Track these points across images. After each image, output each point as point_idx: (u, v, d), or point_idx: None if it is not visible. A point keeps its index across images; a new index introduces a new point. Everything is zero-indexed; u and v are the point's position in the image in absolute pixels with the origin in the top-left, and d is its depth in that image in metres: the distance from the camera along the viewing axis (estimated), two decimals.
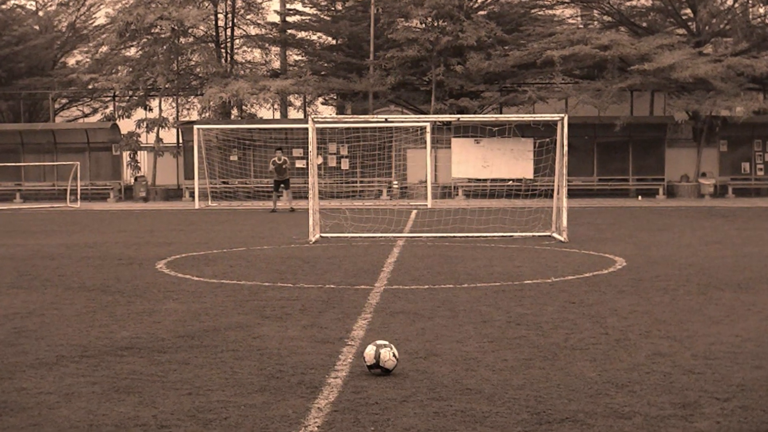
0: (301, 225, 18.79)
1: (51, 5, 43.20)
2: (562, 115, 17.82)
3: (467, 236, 17.82)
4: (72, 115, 44.45)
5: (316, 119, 18.47)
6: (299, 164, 32.87)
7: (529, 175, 32.76)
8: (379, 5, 36.97)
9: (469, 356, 6.85)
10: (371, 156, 32.86)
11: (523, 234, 17.86)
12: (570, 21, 38.68)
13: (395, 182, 35.20)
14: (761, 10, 37.11)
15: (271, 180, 27.85)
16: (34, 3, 43.35)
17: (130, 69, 38.17)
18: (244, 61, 41.33)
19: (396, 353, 6.27)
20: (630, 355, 6.87)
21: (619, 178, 36.31)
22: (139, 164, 38.19)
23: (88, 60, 41.22)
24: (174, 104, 40.70)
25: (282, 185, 26.87)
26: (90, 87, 39.74)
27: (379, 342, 6.37)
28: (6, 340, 7.64)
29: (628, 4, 37.59)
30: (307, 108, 41.32)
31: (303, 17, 40.04)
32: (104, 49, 39.68)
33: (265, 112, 40.61)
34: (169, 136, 38.74)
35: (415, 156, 34.60)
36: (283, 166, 26.74)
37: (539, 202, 21.18)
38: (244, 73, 38.85)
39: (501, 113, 36.94)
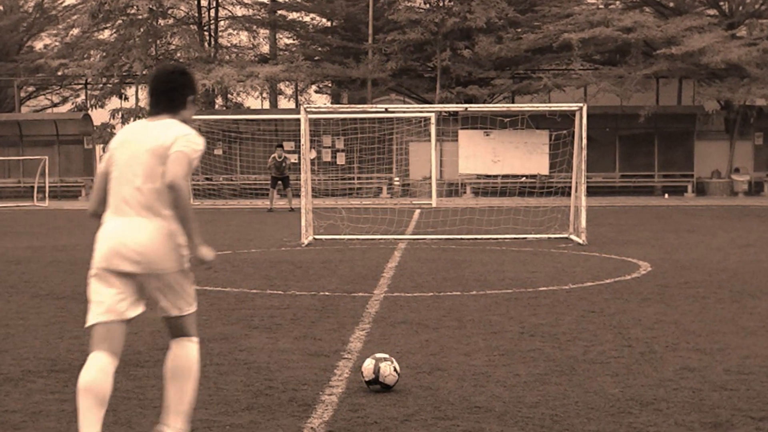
0: (293, 226, 18.79)
1: None
2: (581, 104, 17.83)
3: (476, 238, 17.82)
4: (40, 105, 44.51)
5: (309, 109, 18.46)
6: (290, 159, 32.89)
7: (545, 171, 32.76)
8: None
9: (478, 371, 6.85)
10: (370, 150, 32.89)
11: (538, 236, 17.86)
12: (589, 0, 38.68)
13: (396, 179, 35.22)
14: None
15: (267, 177, 28.03)
16: None
17: (104, 54, 38.22)
18: (229, 44, 41.37)
19: (397, 367, 6.27)
20: (656, 369, 6.87)
21: (644, 174, 36.34)
22: None
23: (57, 44, 41.28)
24: None
25: (280, 182, 27.13)
26: (59, 74, 39.79)
27: (378, 355, 6.37)
28: None
29: None
30: (299, 97, 41.35)
31: None
32: (75, 31, 39.74)
33: (252, 102, 40.65)
34: None
35: (419, 150, 34.61)
36: (283, 164, 27.05)
37: (555, 200, 21.18)
38: (229, 59, 38.89)
39: (513, 102, 36.95)
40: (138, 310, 4.82)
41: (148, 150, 4.72)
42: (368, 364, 6.26)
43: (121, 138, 4.90)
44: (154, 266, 4.69)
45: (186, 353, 4.90)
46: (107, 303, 4.72)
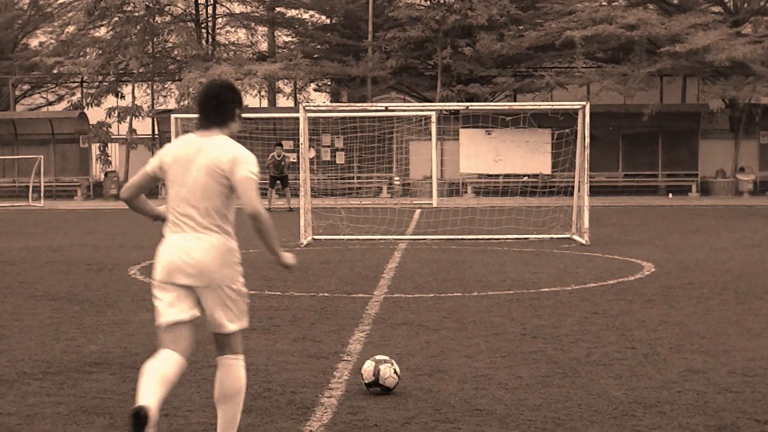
0: (292, 226, 18.79)
1: None
2: (584, 102, 17.83)
3: (477, 239, 17.83)
4: (35, 103, 44.49)
5: (308, 107, 18.46)
6: (289, 158, 32.88)
7: (547, 170, 32.78)
8: None
9: (480, 373, 6.85)
10: (370, 149, 32.87)
11: (540, 236, 17.87)
12: None
13: (397, 178, 35.21)
14: None
15: (265, 176, 28.04)
16: None
17: (100, 51, 38.19)
18: (227, 42, 41.35)
19: (397, 369, 6.28)
20: (659, 371, 6.88)
21: (647, 173, 36.33)
22: (109, 158, 38.21)
23: (52, 41, 41.24)
24: (149, 91, 40.71)
25: (279, 182, 27.20)
26: (55, 71, 39.75)
27: (378, 357, 6.37)
28: None
29: None
30: (298, 95, 41.34)
31: None
32: (71, 29, 39.70)
33: (251, 100, 40.60)
34: (144, 126, 38.76)
35: (419, 149, 34.60)
36: (282, 163, 27.13)
37: (558, 200, 21.18)
38: (227, 56, 38.88)
39: (515, 101, 36.94)
40: (196, 312, 5.02)
41: (204, 168, 4.98)
42: (368, 367, 6.26)
43: (175, 153, 5.12)
44: (209, 280, 4.93)
45: (235, 375, 5.05)
46: (169, 307, 4.99)
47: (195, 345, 5.11)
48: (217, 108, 5.12)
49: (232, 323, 5.01)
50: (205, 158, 4.99)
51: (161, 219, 5.28)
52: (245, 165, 4.96)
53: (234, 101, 5.17)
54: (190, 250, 4.94)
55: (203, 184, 4.97)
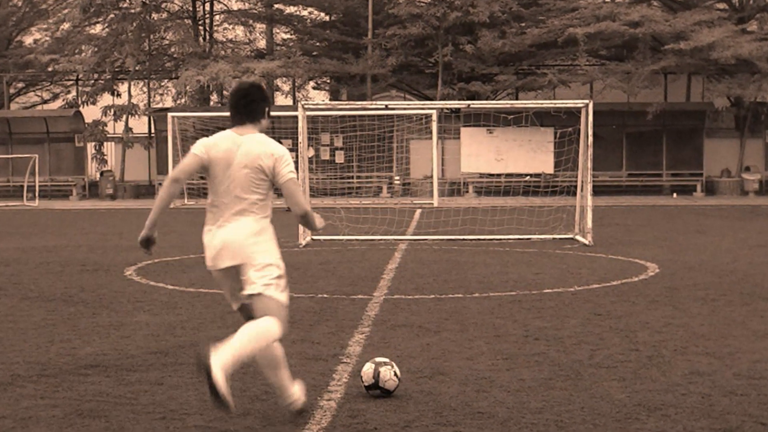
0: (290, 226, 18.80)
1: None
2: (587, 101, 17.83)
3: (478, 239, 17.82)
4: (29, 102, 44.51)
5: (306, 106, 18.46)
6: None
7: (549, 169, 32.78)
8: None
9: (481, 375, 6.85)
10: (369, 148, 32.89)
11: (543, 236, 17.86)
12: None
13: (397, 178, 35.21)
14: None
15: None
16: None
17: (96, 49, 38.21)
18: (224, 39, 41.38)
19: (398, 372, 6.27)
20: (664, 374, 6.88)
21: (652, 173, 36.34)
22: (105, 157, 38.23)
23: (47, 39, 41.26)
24: (145, 89, 40.73)
25: None
26: (50, 69, 39.79)
27: (378, 359, 6.37)
28: None
29: None
30: (297, 93, 41.35)
31: None
32: (66, 26, 39.71)
33: None
34: (140, 125, 38.77)
35: (420, 148, 34.61)
36: None
37: (560, 200, 21.18)
38: (224, 54, 38.90)
39: (517, 99, 36.96)
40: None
41: (246, 166, 5.55)
42: (368, 369, 6.26)
43: (215, 149, 5.64)
44: (245, 258, 5.50)
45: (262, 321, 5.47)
46: (230, 296, 5.73)
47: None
48: (248, 106, 5.70)
49: (266, 292, 5.49)
50: (245, 157, 5.55)
51: (152, 240, 5.94)
52: (287, 165, 5.58)
53: (263, 99, 5.78)
54: (229, 237, 5.51)
55: (246, 181, 5.54)
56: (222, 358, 5.18)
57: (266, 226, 5.65)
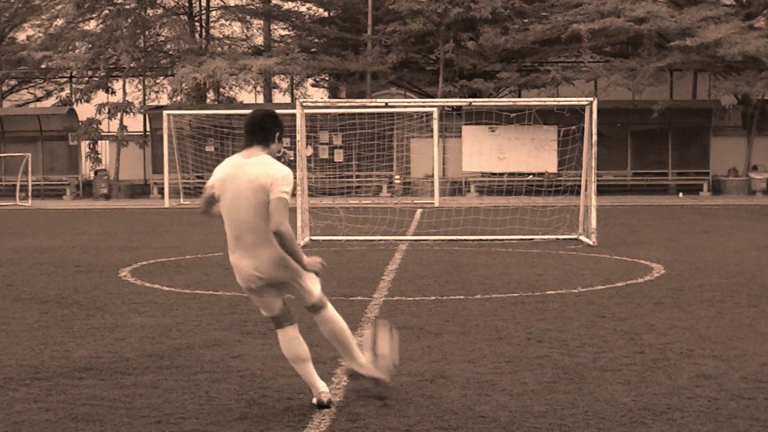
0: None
1: None
2: (591, 98, 17.83)
3: (480, 239, 17.83)
4: (22, 99, 44.50)
5: (305, 104, 18.46)
6: (289, 155, 32.88)
7: (553, 168, 32.78)
8: None
9: (483, 379, 6.85)
10: (369, 146, 32.89)
11: (546, 237, 17.87)
12: None
13: (397, 177, 35.21)
14: None
15: None
16: None
17: (90, 45, 38.19)
18: (221, 36, 41.37)
19: (396, 361, 6.41)
20: (669, 377, 6.88)
21: (657, 172, 36.34)
22: (99, 156, 38.21)
23: (40, 35, 41.20)
24: (140, 86, 40.72)
25: None
26: (43, 66, 39.78)
27: (382, 325, 6.56)
28: None
29: None
30: (295, 91, 41.35)
31: None
32: (59, 22, 39.67)
33: (246, 96, 40.66)
34: (135, 123, 38.77)
35: (420, 146, 34.61)
36: (281, 160, 27.21)
37: (564, 200, 21.19)
38: (221, 51, 38.88)
39: (520, 97, 36.95)
40: (281, 299, 6.26)
41: (250, 189, 5.94)
42: (369, 334, 6.57)
43: (224, 174, 6.11)
44: (274, 279, 6.08)
45: (331, 318, 6.31)
46: (262, 308, 6.29)
47: (290, 306, 6.33)
48: (260, 132, 6.12)
49: (306, 300, 6.21)
50: (250, 180, 5.94)
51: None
52: (281, 185, 5.91)
53: (275, 126, 6.19)
54: (252, 261, 6.02)
55: (252, 203, 5.93)
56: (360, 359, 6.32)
57: (282, 253, 6.02)
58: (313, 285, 6.20)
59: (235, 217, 6.00)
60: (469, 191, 34.69)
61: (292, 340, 6.24)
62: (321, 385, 6.16)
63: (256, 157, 6.04)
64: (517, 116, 25.84)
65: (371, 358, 6.40)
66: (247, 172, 5.97)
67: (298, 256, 5.95)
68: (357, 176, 35.48)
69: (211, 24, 41.26)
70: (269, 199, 5.88)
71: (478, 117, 31.44)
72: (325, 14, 41.49)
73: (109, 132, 38.59)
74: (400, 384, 6.65)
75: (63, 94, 42.58)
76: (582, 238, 17.47)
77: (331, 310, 6.30)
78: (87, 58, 37.42)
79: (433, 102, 28.88)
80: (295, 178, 7.17)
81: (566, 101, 19.68)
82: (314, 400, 6.12)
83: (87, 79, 39.60)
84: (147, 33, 39.20)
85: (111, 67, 38.83)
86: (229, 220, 6.06)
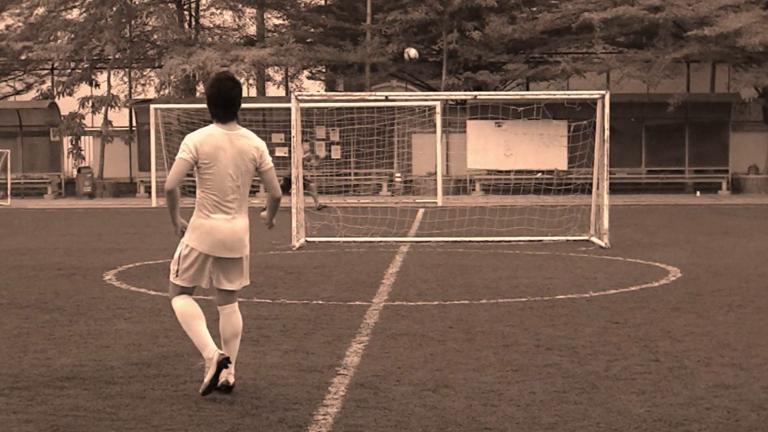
0: (283, 227, 18.81)
1: None
2: (603, 92, 17.84)
3: (486, 241, 17.83)
4: (1, 92, 44.50)
5: (300, 97, 18.47)
6: (279, 152, 32.93)
7: (563, 165, 32.79)
8: None
9: (489, 388, 6.86)
10: (368, 143, 32.91)
11: (555, 238, 17.87)
12: None
13: (398, 175, 35.23)
14: None
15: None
16: None
17: (72, 35, 38.20)
18: (212, 25, 41.39)
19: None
20: (686, 387, 6.88)
21: (673, 169, 36.36)
22: (83, 152, 38.24)
23: (20, 24, 41.22)
24: (126, 79, 40.73)
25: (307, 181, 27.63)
26: (23, 58, 39.78)
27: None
28: None
29: None
30: (290, 83, 41.36)
31: None
32: (40, 11, 39.69)
33: None
34: (120, 117, 38.79)
35: (423, 142, 34.63)
36: (308, 162, 27.52)
37: (575, 199, 21.20)
38: (212, 41, 38.90)
39: (528, 90, 36.97)
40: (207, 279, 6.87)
41: (240, 160, 6.66)
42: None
43: (210, 146, 6.62)
44: (241, 252, 6.77)
45: (238, 313, 6.97)
46: (199, 276, 6.79)
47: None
48: (234, 100, 6.66)
49: (242, 283, 6.90)
50: (241, 153, 6.66)
51: (182, 230, 6.81)
52: (267, 156, 6.78)
53: (241, 92, 6.78)
54: (235, 229, 6.68)
55: (243, 175, 6.67)
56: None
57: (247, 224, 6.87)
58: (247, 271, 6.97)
59: (223, 185, 6.65)
60: (474, 190, 34.71)
61: (193, 301, 6.88)
62: (214, 345, 6.67)
63: (237, 131, 6.72)
64: (525, 110, 25.85)
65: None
66: (235, 144, 6.66)
67: (275, 213, 7.12)
68: (355, 174, 35.49)
69: (201, 12, 41.28)
70: (260, 170, 6.76)
71: (483, 111, 31.42)
72: (322, 2, 41.51)
73: (92, 127, 38.61)
74: (402, 394, 6.66)
75: (44, 87, 42.59)
76: (594, 239, 17.48)
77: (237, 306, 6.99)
78: (69, 49, 37.43)
79: (436, 95, 28.93)
80: (288, 174, 7.70)
81: (577, 94, 19.69)
82: (217, 361, 6.58)
83: (69, 71, 39.61)
84: (133, 22, 39.21)
85: (95, 58, 38.84)
86: (214, 188, 6.66)
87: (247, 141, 6.73)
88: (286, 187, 27.79)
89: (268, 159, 6.81)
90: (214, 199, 6.68)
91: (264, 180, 6.81)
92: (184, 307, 6.81)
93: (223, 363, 6.52)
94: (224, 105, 6.66)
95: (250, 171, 6.74)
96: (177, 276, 6.83)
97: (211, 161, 6.62)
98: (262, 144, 6.82)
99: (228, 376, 6.68)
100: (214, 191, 6.67)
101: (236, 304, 6.95)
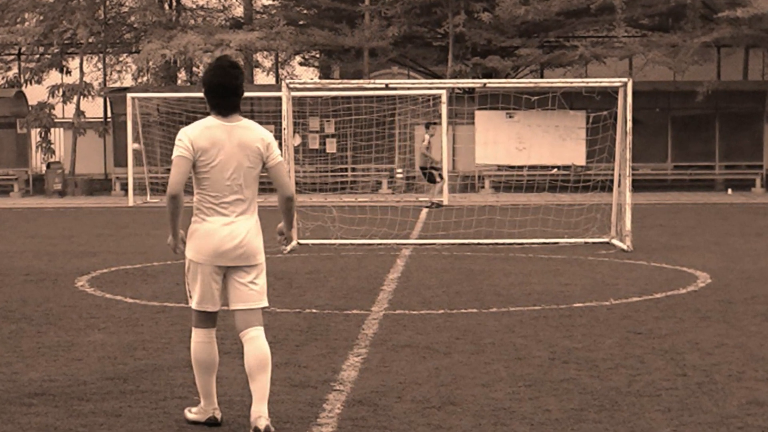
0: (272, 229, 18.83)
1: None
2: (625, 79, 17.83)
3: (496, 243, 17.83)
4: None
5: (292, 85, 18.46)
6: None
7: (580, 160, 32.77)
8: None
9: (499, 405, 6.86)
10: (367, 135, 32.88)
11: (572, 240, 17.87)
12: None
13: (399, 170, 35.20)
14: None
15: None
16: None
17: (41, 17, 38.15)
18: (194, 6, 41.36)
19: None
20: (716, 404, 6.89)
21: (702, 164, 36.33)
22: (52, 146, 38.20)
23: None
24: (100, 65, 40.71)
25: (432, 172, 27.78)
26: None
27: None
28: None
29: None
30: (281, 70, 41.35)
31: None
32: None
33: None
34: (94, 107, 38.76)
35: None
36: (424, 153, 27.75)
37: (594, 197, 21.19)
38: (194, 23, 38.88)
39: (542, 77, 36.95)
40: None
41: (243, 154, 6.37)
42: None
43: (205, 137, 6.38)
44: (247, 259, 6.41)
45: (264, 340, 6.44)
46: (208, 297, 6.43)
47: None
48: (237, 89, 6.44)
49: (262, 297, 6.51)
50: (239, 142, 6.37)
51: (183, 243, 6.45)
52: (275, 149, 6.48)
53: (243, 80, 6.55)
54: (236, 232, 6.36)
55: (245, 172, 6.37)
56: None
57: (258, 225, 6.56)
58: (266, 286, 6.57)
59: (220, 184, 6.36)
60: (483, 187, 34.69)
61: (212, 343, 6.55)
62: (215, 402, 6.54)
63: (239, 121, 6.46)
64: (539, 100, 25.80)
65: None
66: (235, 137, 6.39)
67: (294, 219, 6.82)
68: (353, 170, 35.46)
69: None
70: (267, 164, 6.44)
71: (493, 101, 31.34)
72: None
73: (63, 118, 38.58)
74: (403, 412, 6.66)
75: (10, 74, 42.52)
76: (615, 241, 17.48)
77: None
78: (38, 32, 37.36)
79: (441, 83, 28.89)
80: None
81: (596, 82, 19.67)
82: (208, 417, 6.48)
83: (38, 56, 39.59)
84: (108, 2, 39.18)
85: (66, 42, 38.80)
86: (211, 188, 6.38)
87: (249, 132, 6.43)
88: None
89: (277, 152, 6.48)
90: (211, 201, 6.38)
91: (272, 176, 6.50)
92: (196, 351, 6.49)
93: None
94: (226, 95, 6.43)
95: (254, 167, 6.41)
96: (191, 298, 6.52)
97: (208, 158, 6.35)
98: (268, 135, 6.48)
99: (257, 419, 6.15)
100: (210, 191, 6.38)
101: (261, 328, 6.44)
